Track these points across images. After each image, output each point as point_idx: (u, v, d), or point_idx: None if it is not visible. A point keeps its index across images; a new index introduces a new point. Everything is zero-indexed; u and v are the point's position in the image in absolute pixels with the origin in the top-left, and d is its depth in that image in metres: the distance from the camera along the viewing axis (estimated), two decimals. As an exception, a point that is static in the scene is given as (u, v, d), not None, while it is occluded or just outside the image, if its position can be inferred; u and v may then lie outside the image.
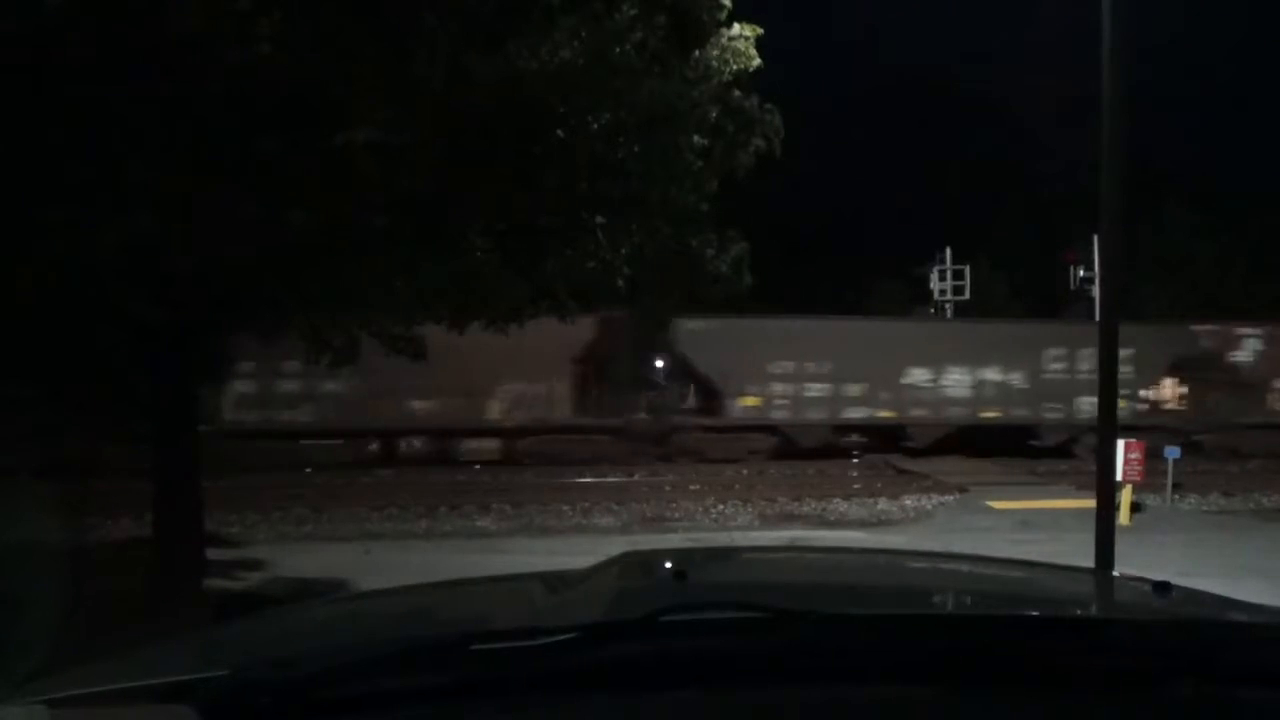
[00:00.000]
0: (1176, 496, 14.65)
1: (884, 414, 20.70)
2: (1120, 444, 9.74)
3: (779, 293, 27.95)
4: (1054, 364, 21.03)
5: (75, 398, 7.51)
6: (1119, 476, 10.18)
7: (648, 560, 2.09)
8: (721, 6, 6.34)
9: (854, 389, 20.44)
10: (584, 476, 17.16)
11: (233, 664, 1.13)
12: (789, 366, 20.26)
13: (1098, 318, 6.66)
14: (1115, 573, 4.17)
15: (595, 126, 5.66)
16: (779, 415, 20.32)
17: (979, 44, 74.15)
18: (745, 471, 18.03)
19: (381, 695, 1.08)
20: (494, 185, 5.56)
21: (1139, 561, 6.71)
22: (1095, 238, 19.34)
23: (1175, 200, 35.35)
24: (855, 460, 20.28)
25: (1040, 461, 19.67)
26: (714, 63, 6.52)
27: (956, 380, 20.96)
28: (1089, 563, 5.77)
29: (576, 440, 19.47)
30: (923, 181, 48.77)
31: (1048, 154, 43.71)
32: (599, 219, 6.48)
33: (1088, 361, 20.53)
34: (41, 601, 4.74)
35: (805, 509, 14.45)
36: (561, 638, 1.13)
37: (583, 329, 17.28)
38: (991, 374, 20.99)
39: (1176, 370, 21.96)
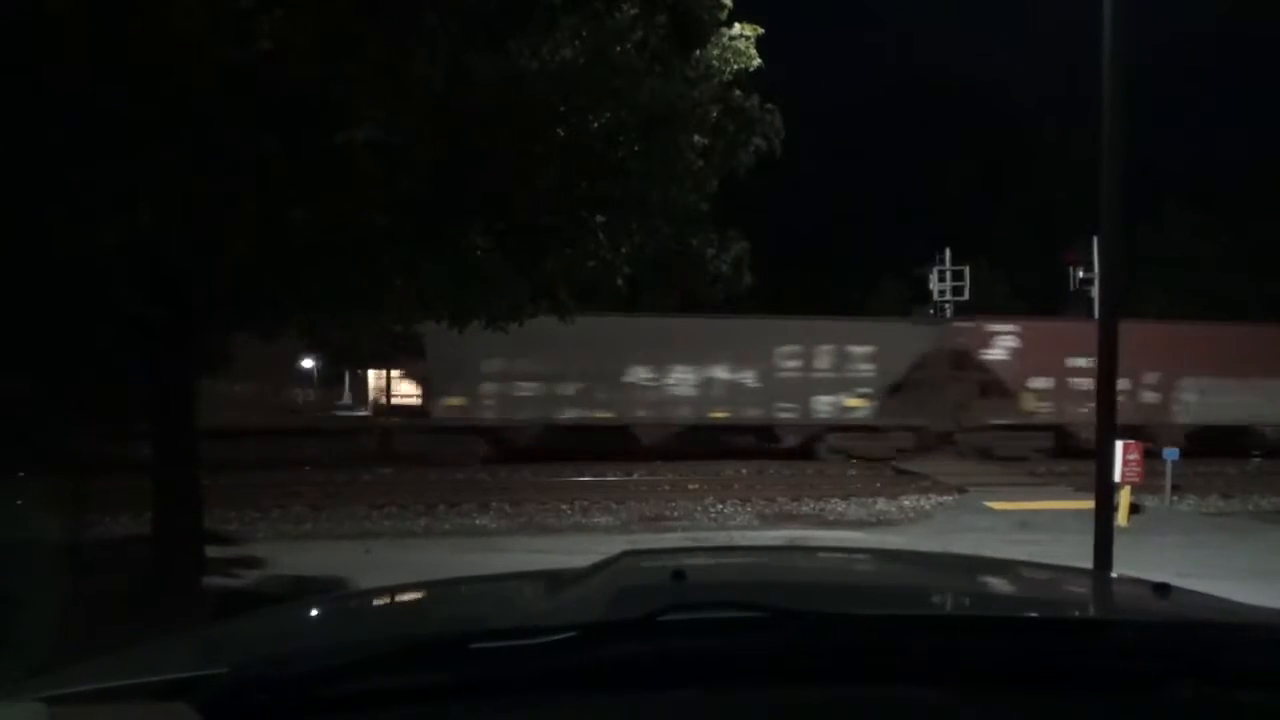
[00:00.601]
0: (1175, 498, 14.66)
1: (601, 415, 19.76)
2: (1119, 445, 9.74)
3: (779, 293, 27.99)
4: (787, 362, 20.29)
5: (75, 395, 7.50)
6: (1117, 478, 10.21)
7: (647, 559, 2.09)
8: (722, 6, 6.34)
9: (569, 388, 19.52)
10: (583, 475, 17.18)
11: (232, 662, 1.13)
12: (498, 365, 19.10)
13: (1097, 317, 6.64)
14: (1114, 574, 4.17)
15: (596, 126, 5.66)
16: (487, 416, 19.42)
17: (979, 44, 74.20)
18: (745, 471, 18.05)
19: (380, 694, 1.08)
20: (494, 184, 5.56)
21: (1138, 563, 6.72)
22: (1095, 238, 19.36)
23: (1176, 200, 35.42)
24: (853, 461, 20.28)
25: (1039, 462, 19.68)
26: (714, 62, 6.52)
27: (682, 379, 20.04)
28: (1088, 564, 5.78)
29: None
30: (923, 182, 48.81)
31: (1048, 154, 43.69)
32: (599, 218, 6.48)
33: (824, 359, 20.26)
34: (41, 599, 4.75)
35: (804, 509, 14.46)
36: (560, 637, 1.13)
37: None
38: (720, 373, 20.11)
39: (923, 369, 21.17)
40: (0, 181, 4.58)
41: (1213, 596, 1.71)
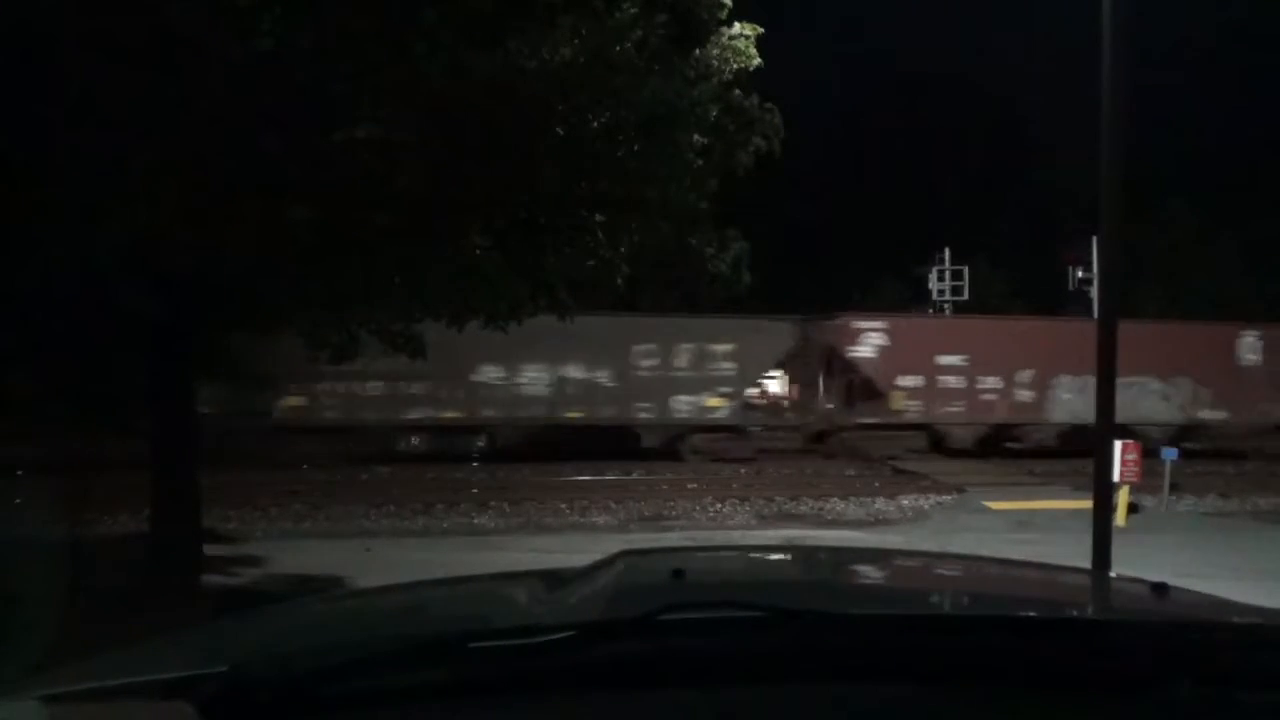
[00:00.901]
0: (1173, 498, 14.66)
1: (450, 414, 19.04)
2: (1117, 445, 9.74)
3: (778, 292, 28.03)
4: (645, 361, 19.56)
5: (75, 392, 7.50)
6: (1116, 477, 10.21)
7: (645, 558, 2.09)
8: (722, 5, 6.35)
9: (416, 387, 18.52)
10: (582, 474, 17.17)
11: (231, 660, 1.13)
12: (343, 364, 18.05)
13: (1096, 317, 6.64)
14: (1112, 573, 4.17)
15: (595, 125, 5.66)
16: (330, 416, 18.53)
17: (979, 44, 74.20)
18: (743, 471, 18.04)
19: (380, 692, 1.08)
20: (494, 183, 5.56)
21: (1136, 562, 6.71)
22: (1095, 238, 19.33)
23: (1176, 200, 35.45)
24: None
25: (1038, 462, 19.67)
26: (714, 61, 6.52)
27: (534, 379, 19.29)
28: (1086, 563, 5.78)
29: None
30: (923, 181, 48.82)
31: (1048, 154, 43.73)
32: (598, 217, 6.48)
33: (683, 359, 19.68)
34: (39, 597, 4.74)
35: (803, 508, 14.46)
36: (559, 636, 1.13)
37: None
38: (575, 372, 19.32)
39: (786, 367, 20.72)
40: (1, 180, 4.58)
41: (1211, 596, 1.71)
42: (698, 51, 6.34)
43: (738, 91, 6.87)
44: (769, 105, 7.11)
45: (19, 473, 12.30)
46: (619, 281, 7.21)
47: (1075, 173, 27.26)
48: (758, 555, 2.95)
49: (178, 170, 4.69)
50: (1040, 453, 20.50)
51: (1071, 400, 20.80)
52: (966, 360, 20.56)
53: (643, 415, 19.76)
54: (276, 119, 4.66)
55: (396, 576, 2.06)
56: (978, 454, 20.13)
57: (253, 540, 10.97)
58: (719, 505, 14.42)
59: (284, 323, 7.62)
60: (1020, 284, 37.81)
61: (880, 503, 14.90)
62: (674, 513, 13.94)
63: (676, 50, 5.99)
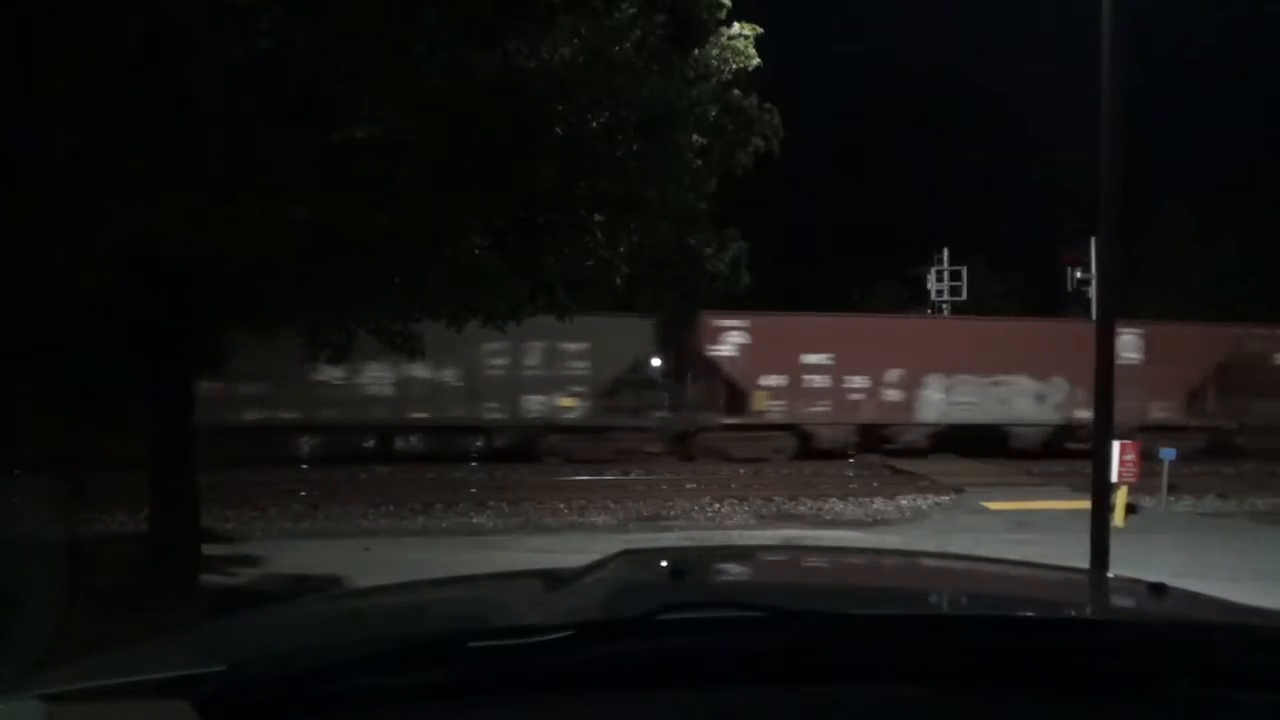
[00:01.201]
0: (1171, 498, 14.67)
1: (287, 415, 18.51)
2: (1115, 445, 9.75)
3: (777, 292, 28.01)
4: (494, 360, 19.04)
5: (73, 391, 7.50)
6: (1114, 478, 10.22)
7: (644, 558, 2.09)
8: (721, 5, 6.34)
9: (251, 388, 17.88)
10: (580, 474, 17.17)
11: (230, 660, 1.13)
12: None
13: (1095, 317, 6.64)
14: (1110, 574, 4.18)
15: (594, 124, 5.66)
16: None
17: (979, 44, 74.23)
18: (742, 471, 18.04)
19: (378, 692, 1.08)
20: (493, 183, 5.56)
21: (1134, 562, 6.72)
22: (1093, 239, 19.26)
23: (1176, 202, 35.47)
24: (851, 460, 20.23)
25: (1036, 462, 19.67)
26: (713, 61, 6.52)
27: (376, 378, 18.79)
28: (1084, 564, 5.78)
29: None
30: (922, 182, 48.82)
31: (1047, 155, 43.75)
32: (598, 217, 6.48)
33: (534, 357, 19.27)
34: (38, 597, 4.74)
35: (801, 509, 14.46)
36: (558, 635, 1.13)
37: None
38: (420, 371, 18.25)
39: (644, 367, 20.18)
40: (1, 180, 4.58)
41: (1209, 596, 1.71)
42: (697, 51, 6.34)
43: (737, 91, 6.87)
44: (768, 105, 7.11)
45: (16, 472, 12.29)
46: (618, 281, 7.21)
47: (1075, 173, 27.28)
48: (757, 555, 2.95)
49: (178, 170, 4.69)
50: (1040, 453, 20.51)
51: (941, 400, 20.50)
52: (832, 359, 20.10)
53: (492, 415, 19.27)
54: (276, 119, 4.66)
55: (395, 576, 2.07)
56: (976, 454, 20.09)
57: (251, 540, 10.98)
58: (717, 505, 14.42)
59: (284, 322, 7.62)
60: (1019, 285, 37.81)
61: (879, 503, 14.91)
62: (672, 513, 13.95)
63: (676, 50, 5.99)
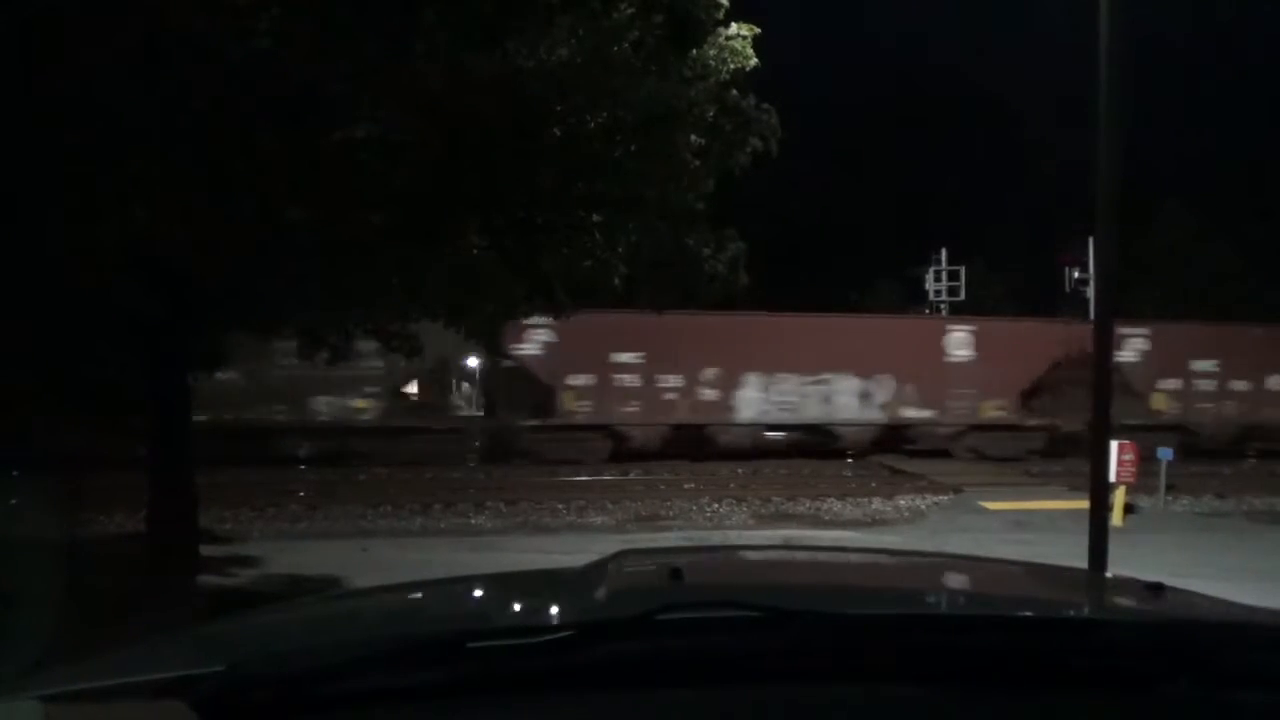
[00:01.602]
0: (1170, 498, 14.68)
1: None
2: (1113, 445, 9.75)
3: (775, 292, 27.99)
4: (284, 359, 17.45)
5: (73, 391, 7.50)
6: (1112, 478, 10.23)
7: (643, 558, 2.09)
8: (719, 5, 6.34)
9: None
10: (579, 475, 17.17)
11: (228, 660, 1.13)
12: None
13: (1093, 318, 6.64)
14: (1109, 574, 4.18)
15: (592, 125, 5.67)
16: None
17: (979, 44, 74.26)
18: (741, 471, 18.03)
19: (377, 692, 1.08)
20: (491, 183, 5.56)
21: (1132, 562, 6.72)
22: (1091, 240, 19.22)
23: (1174, 202, 35.50)
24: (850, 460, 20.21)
25: (1034, 462, 19.68)
26: (711, 62, 6.52)
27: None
28: (1082, 564, 5.79)
29: None
30: (920, 182, 48.86)
31: (1046, 155, 43.81)
32: (596, 217, 6.48)
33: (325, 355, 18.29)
34: (36, 597, 4.74)
35: (800, 508, 14.46)
36: (557, 636, 1.13)
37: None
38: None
39: (446, 366, 19.53)
40: (0, 179, 4.58)
41: (1207, 596, 1.71)
42: (694, 52, 6.34)
43: (735, 92, 6.87)
44: (766, 106, 7.11)
45: (16, 472, 12.28)
46: (616, 281, 7.21)
47: (1074, 173, 27.27)
48: (755, 555, 2.95)
49: (176, 169, 4.68)
50: (1038, 454, 20.52)
51: (760, 399, 19.93)
52: (643, 358, 19.48)
53: (280, 417, 18.37)
54: (275, 119, 4.66)
55: (393, 577, 2.06)
56: (975, 455, 20.08)
57: (250, 540, 10.96)
58: (716, 505, 14.41)
59: (283, 322, 7.62)
60: (1019, 285, 37.85)
61: (877, 503, 14.90)
62: (671, 513, 13.94)
63: (673, 50, 5.99)
